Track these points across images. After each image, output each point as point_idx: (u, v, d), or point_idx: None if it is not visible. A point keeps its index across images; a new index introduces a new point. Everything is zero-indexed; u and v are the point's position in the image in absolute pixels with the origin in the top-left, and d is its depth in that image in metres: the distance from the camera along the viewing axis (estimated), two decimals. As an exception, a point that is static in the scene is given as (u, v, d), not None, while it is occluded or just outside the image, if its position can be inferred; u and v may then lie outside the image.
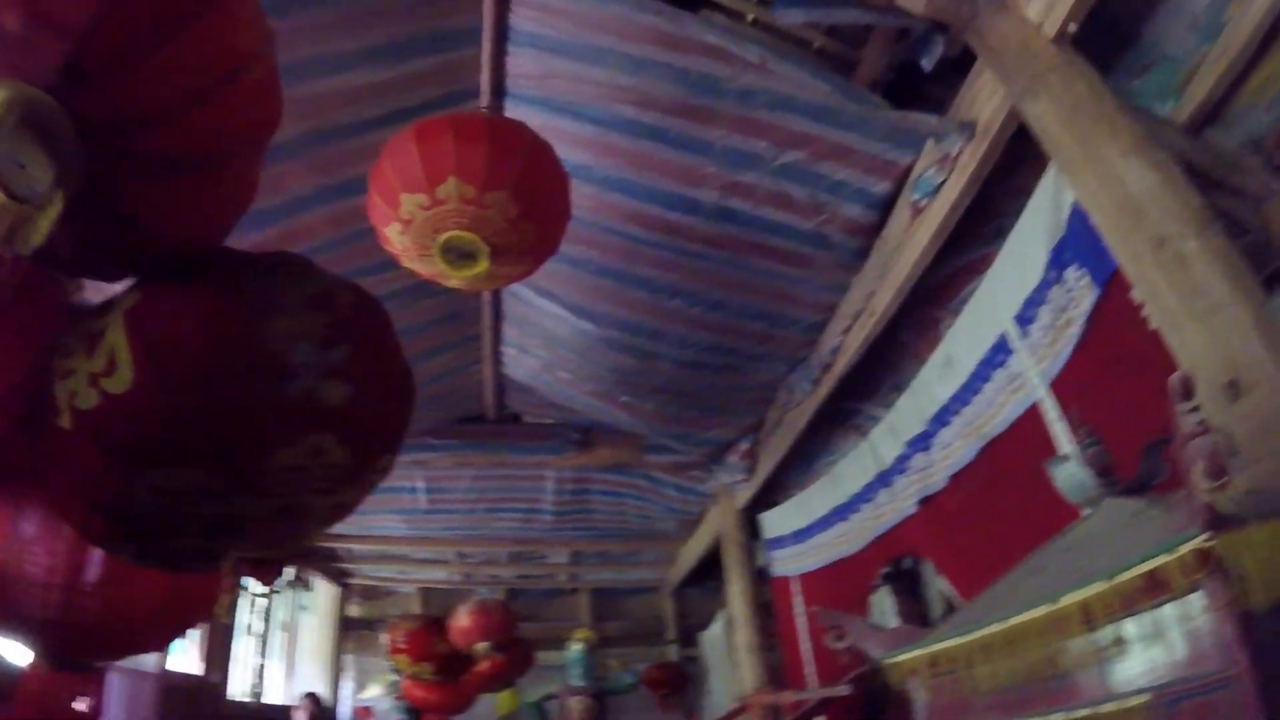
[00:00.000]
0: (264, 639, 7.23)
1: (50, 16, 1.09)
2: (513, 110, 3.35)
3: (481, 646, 6.15)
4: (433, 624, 6.54)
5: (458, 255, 2.65)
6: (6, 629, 1.96)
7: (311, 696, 5.02)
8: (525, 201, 2.54)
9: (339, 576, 9.20)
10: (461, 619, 6.19)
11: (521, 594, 9.35)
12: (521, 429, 6.25)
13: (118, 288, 1.45)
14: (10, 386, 1.49)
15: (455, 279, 2.78)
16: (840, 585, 4.37)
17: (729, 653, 6.87)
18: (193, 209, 1.37)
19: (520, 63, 3.21)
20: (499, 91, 3.35)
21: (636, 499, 6.75)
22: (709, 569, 7.45)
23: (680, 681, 8.07)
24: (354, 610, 9.67)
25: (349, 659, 9.53)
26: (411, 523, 7.21)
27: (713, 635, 7.71)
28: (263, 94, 1.36)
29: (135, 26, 1.14)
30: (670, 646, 8.96)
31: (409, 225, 2.58)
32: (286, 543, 1.55)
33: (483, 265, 2.66)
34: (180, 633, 2.36)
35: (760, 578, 5.56)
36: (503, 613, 6.42)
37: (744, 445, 5.18)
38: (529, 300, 4.47)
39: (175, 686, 5.01)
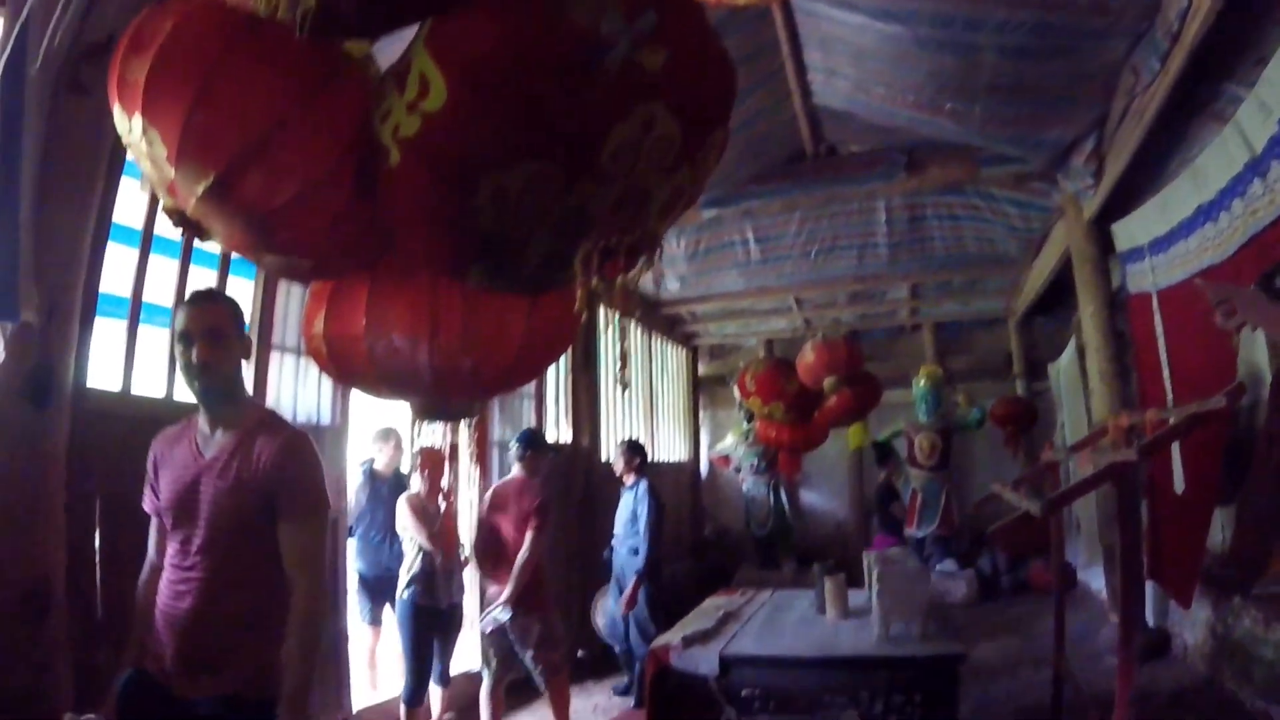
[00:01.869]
0: (623, 404, 8.22)
1: None
2: None
3: (829, 381, 6.27)
4: (780, 365, 6.88)
5: (736, -36, 2.47)
6: (385, 392, 2.16)
7: (627, 443, 5.65)
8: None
9: (687, 340, 10.22)
10: (807, 356, 6.35)
11: (863, 335, 9.62)
12: (844, 160, 6.14)
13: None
14: (339, 158, 1.62)
15: (741, -6, 2.61)
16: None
17: (1080, 384, 6.61)
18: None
19: None
20: None
21: (975, 221, 6.45)
22: (1056, 296, 7.06)
23: (1028, 417, 7.92)
24: (704, 369, 10.76)
25: (704, 415, 10.72)
26: (748, 276, 7.65)
27: (1062, 366, 7.39)
28: None
29: None
30: (1016, 381, 8.85)
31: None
32: (632, 232, 1.55)
33: (763, -33, 2.45)
34: (542, 368, 2.49)
35: (1114, 300, 5.17)
36: (847, 346, 6.38)
37: (1088, 145, 4.66)
38: (826, 15, 4.30)
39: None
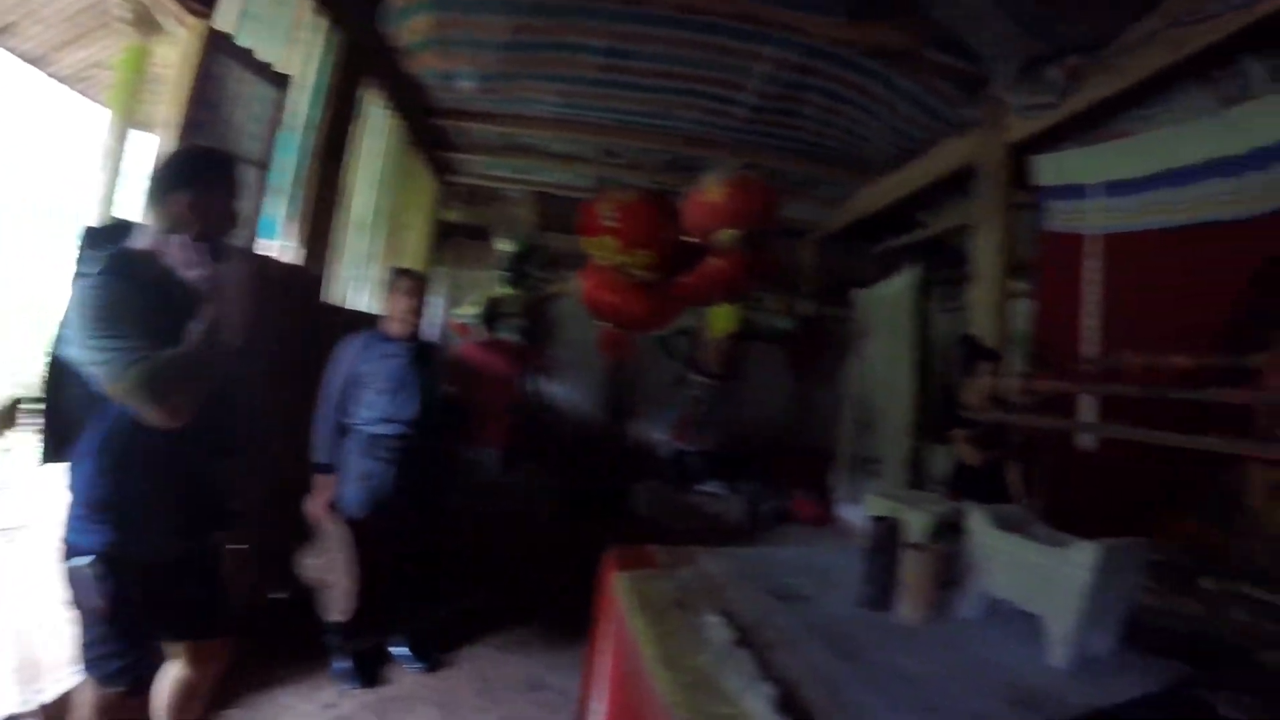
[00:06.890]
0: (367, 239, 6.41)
1: None
2: None
3: (727, 234, 4.94)
4: (661, 200, 5.34)
5: None
6: None
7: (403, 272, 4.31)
8: None
9: (443, 170, 8.15)
10: (710, 193, 4.94)
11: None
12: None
13: None
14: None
15: None
16: (1188, 258, 3.81)
17: (903, 317, 6.44)
18: None
19: None
20: None
21: (861, 109, 5.81)
22: (869, 226, 6.84)
23: (818, 343, 7.55)
24: (454, 215, 9.02)
25: (441, 271, 9.01)
26: (569, 98, 6.18)
27: (882, 295, 7.14)
28: None
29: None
30: (807, 301, 8.63)
31: None
32: None
33: None
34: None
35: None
36: (765, 192, 5.03)
37: (1071, 60, 4.30)
38: None
39: (271, 273, 4.34)
